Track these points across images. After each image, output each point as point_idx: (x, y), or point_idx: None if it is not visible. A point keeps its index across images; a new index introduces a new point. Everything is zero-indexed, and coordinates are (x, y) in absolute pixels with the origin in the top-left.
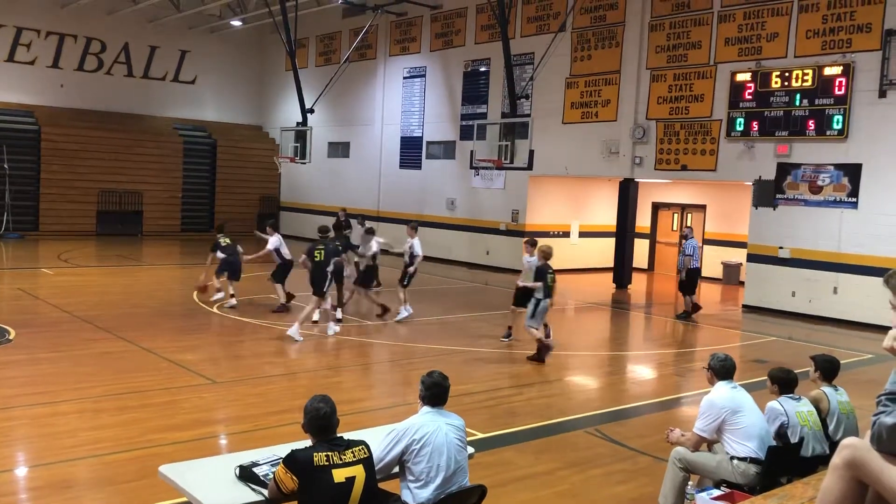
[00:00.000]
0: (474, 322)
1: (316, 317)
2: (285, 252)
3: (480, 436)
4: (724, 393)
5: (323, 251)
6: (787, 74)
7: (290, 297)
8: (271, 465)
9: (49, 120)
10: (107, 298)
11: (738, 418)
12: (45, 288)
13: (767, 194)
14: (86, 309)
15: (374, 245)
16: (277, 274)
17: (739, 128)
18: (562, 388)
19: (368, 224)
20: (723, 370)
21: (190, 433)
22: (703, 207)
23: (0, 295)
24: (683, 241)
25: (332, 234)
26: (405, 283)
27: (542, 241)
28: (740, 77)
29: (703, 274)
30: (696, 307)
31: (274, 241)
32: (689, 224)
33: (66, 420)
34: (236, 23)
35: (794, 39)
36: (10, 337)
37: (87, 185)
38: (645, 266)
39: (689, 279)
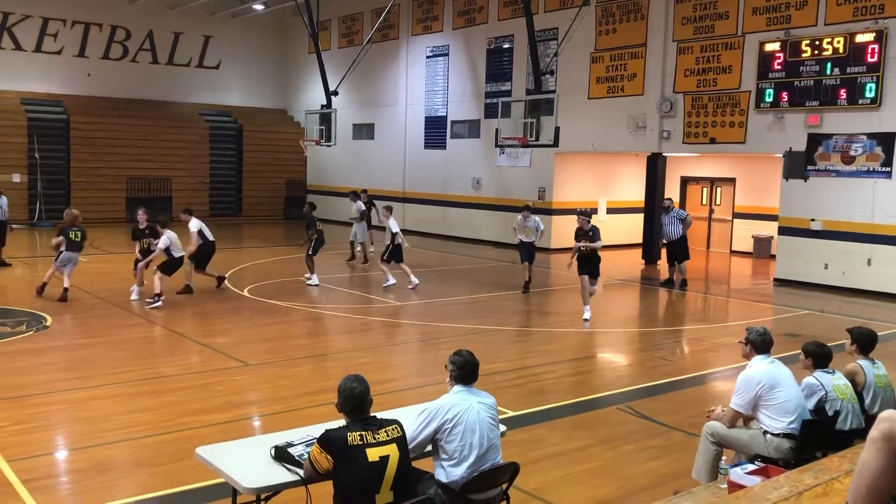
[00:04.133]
0: (502, 301)
1: None
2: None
3: (511, 414)
4: (761, 368)
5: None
6: (817, 43)
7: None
8: (306, 446)
9: (77, 109)
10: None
11: (775, 394)
12: (78, 275)
13: (798, 166)
14: (118, 295)
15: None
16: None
17: (769, 99)
18: (592, 365)
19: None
20: (762, 344)
21: (224, 415)
22: (732, 181)
23: (36, 283)
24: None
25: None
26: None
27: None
28: (769, 47)
29: (734, 248)
30: (668, 280)
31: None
32: (668, 196)
33: (102, 404)
34: (258, 6)
35: (824, 7)
36: (47, 323)
37: (115, 172)
38: None
39: (668, 250)
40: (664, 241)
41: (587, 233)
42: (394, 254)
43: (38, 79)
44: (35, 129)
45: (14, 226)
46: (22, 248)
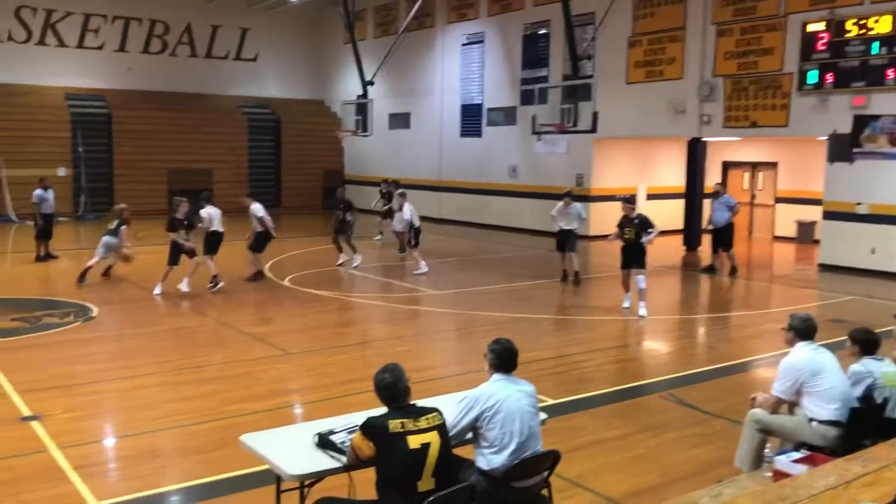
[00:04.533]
0: (539, 289)
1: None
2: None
3: (551, 402)
4: (804, 354)
5: None
6: (863, 22)
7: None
8: (348, 433)
9: (119, 103)
10: (181, 274)
11: (819, 380)
12: (124, 266)
13: (843, 149)
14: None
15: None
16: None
17: (812, 80)
18: (632, 353)
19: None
20: (805, 331)
21: (267, 403)
22: (774, 165)
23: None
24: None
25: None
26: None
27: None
28: (812, 27)
29: (777, 233)
30: (710, 266)
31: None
32: (718, 182)
33: (148, 393)
34: None
35: None
36: (94, 314)
37: (157, 164)
38: None
39: (713, 236)
40: (710, 227)
41: (632, 220)
42: (416, 238)
43: (80, 74)
44: (79, 124)
45: (60, 219)
46: (68, 241)
